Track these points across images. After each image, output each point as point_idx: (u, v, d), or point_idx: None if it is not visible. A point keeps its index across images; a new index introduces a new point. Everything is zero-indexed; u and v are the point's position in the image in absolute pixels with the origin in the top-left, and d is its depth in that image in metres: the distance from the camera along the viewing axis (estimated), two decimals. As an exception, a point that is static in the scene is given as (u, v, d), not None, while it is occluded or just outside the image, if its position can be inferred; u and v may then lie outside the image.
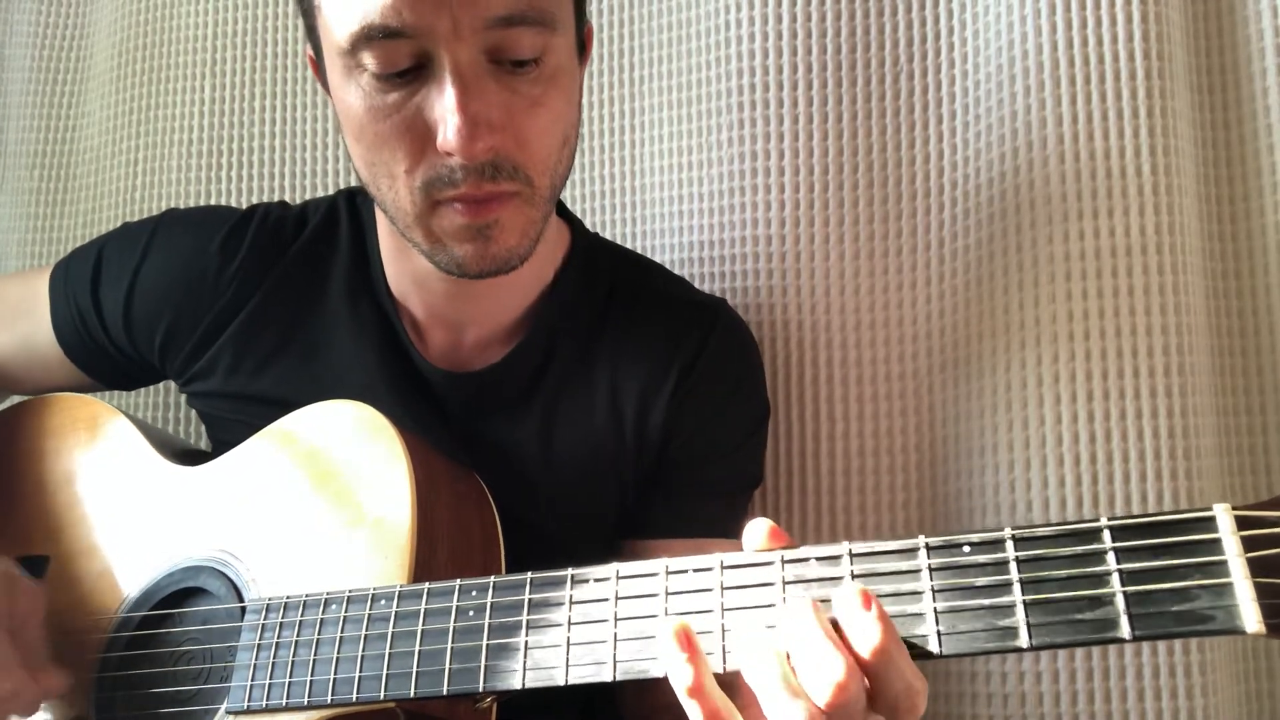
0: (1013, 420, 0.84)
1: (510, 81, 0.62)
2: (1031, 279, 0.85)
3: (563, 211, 0.84)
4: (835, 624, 0.46)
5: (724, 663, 0.49)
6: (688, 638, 0.47)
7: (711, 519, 0.79)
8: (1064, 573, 0.45)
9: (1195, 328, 0.84)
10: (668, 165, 1.01)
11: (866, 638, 0.45)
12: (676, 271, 0.97)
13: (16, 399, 0.95)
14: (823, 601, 0.47)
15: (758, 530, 0.51)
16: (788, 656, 0.46)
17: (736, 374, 0.82)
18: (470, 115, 0.60)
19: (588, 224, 1.04)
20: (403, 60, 0.60)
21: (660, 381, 0.78)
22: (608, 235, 1.03)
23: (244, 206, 0.85)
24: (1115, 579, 0.44)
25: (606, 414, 0.78)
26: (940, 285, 0.92)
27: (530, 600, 0.54)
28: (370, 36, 0.59)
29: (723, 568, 0.51)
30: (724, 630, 0.49)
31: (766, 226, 0.94)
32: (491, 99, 0.61)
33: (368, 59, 0.60)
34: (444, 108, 0.60)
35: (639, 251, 1.01)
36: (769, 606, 0.49)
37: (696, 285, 0.96)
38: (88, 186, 1.16)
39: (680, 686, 0.46)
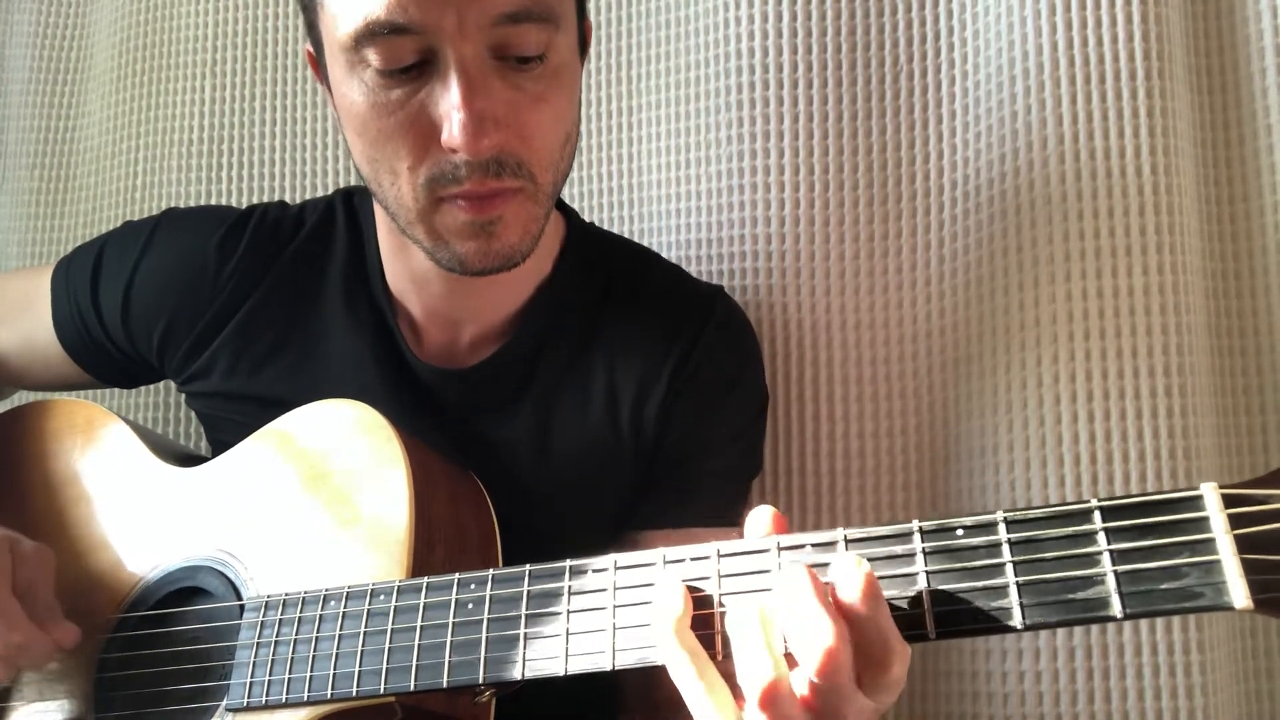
0: (1013, 420, 0.84)
1: (514, 78, 0.62)
2: (1031, 279, 0.84)
3: (558, 202, 0.84)
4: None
5: (720, 651, 0.49)
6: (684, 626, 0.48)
7: (710, 509, 0.79)
8: (1056, 554, 0.46)
9: (1195, 328, 0.84)
10: (666, 163, 1.01)
11: (850, 586, 0.45)
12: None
13: (16, 400, 0.96)
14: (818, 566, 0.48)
15: (761, 518, 0.51)
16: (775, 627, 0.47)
17: (733, 365, 0.82)
18: (476, 112, 0.60)
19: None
20: (407, 56, 0.60)
21: (656, 373, 0.78)
22: (606, 233, 1.03)
23: (244, 206, 0.85)
24: (1106, 558, 0.45)
25: (603, 407, 0.78)
26: (940, 285, 0.92)
27: (529, 592, 0.55)
28: (375, 33, 0.59)
29: (719, 556, 0.51)
30: (721, 618, 0.50)
31: (765, 225, 0.94)
32: (496, 96, 0.61)
33: (371, 55, 0.60)
34: (449, 104, 0.60)
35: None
36: (766, 592, 0.50)
37: (695, 283, 0.96)
38: (88, 186, 1.16)
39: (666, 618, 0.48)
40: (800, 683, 0.45)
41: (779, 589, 0.47)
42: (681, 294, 0.83)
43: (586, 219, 1.04)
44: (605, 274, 0.82)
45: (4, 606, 0.64)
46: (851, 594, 0.45)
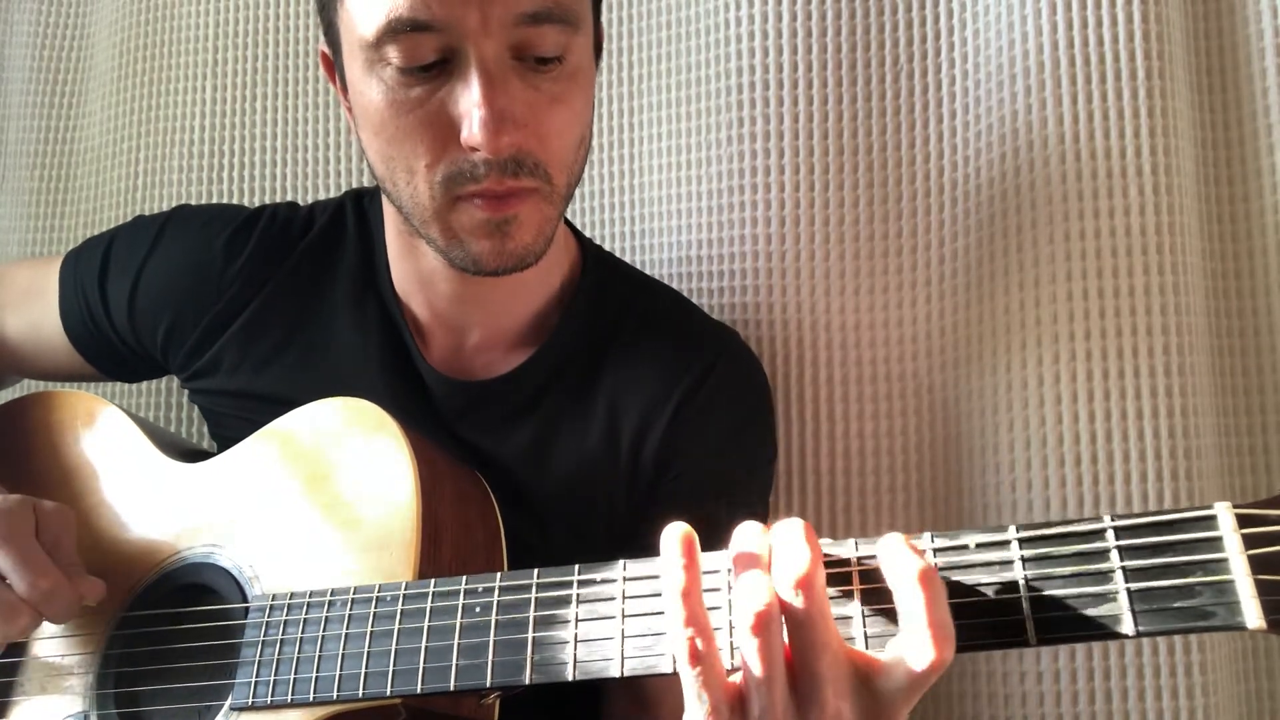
0: (1013, 420, 0.84)
1: (533, 79, 0.63)
2: (1032, 279, 0.85)
3: (568, 225, 0.84)
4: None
5: (733, 658, 0.49)
6: (690, 545, 0.47)
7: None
8: (1068, 570, 0.46)
9: (1195, 328, 0.84)
10: (666, 165, 1.01)
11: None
12: (675, 272, 0.97)
13: (19, 390, 0.96)
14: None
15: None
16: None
17: (739, 408, 0.80)
18: (496, 110, 0.60)
19: (585, 224, 1.04)
20: (428, 54, 0.61)
21: (659, 409, 0.76)
22: (606, 235, 1.03)
23: (247, 206, 0.85)
24: (1119, 576, 0.45)
25: (602, 437, 0.77)
26: (940, 285, 0.92)
27: (537, 598, 0.55)
28: (397, 30, 0.60)
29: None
30: (732, 627, 0.49)
31: (766, 226, 0.94)
32: (516, 95, 0.62)
33: (392, 53, 0.61)
34: (470, 102, 0.61)
35: (638, 249, 1.02)
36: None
37: (695, 285, 0.96)
38: (88, 186, 1.16)
39: (674, 589, 0.46)
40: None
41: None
42: (693, 332, 0.82)
43: (586, 220, 1.04)
44: (619, 301, 0.81)
45: (32, 554, 0.64)
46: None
